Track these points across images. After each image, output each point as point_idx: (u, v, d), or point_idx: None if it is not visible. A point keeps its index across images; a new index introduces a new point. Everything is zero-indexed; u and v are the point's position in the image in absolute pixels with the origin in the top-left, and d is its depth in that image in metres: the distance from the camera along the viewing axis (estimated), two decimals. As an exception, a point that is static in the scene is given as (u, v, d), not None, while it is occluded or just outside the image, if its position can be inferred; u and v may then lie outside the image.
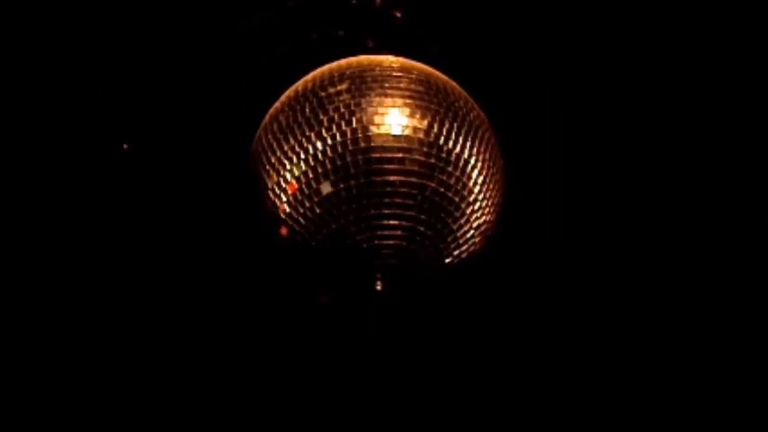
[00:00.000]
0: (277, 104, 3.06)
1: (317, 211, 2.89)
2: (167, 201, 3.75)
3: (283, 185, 2.93)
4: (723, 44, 3.70)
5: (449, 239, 2.96)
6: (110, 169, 3.68)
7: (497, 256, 3.28)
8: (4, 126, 3.58)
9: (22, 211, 3.73)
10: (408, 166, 2.86)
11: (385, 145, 2.86)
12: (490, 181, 3.00)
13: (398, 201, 2.87)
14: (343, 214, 2.88)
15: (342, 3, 3.44)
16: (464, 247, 3.00)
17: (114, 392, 4.01)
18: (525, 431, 4.23)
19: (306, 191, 2.90)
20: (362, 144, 2.86)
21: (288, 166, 2.91)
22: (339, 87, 2.94)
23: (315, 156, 2.88)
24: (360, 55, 3.09)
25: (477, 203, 2.97)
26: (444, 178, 2.89)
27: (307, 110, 2.94)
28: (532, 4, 3.63)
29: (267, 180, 2.96)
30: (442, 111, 2.93)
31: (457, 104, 2.98)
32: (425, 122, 2.89)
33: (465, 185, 2.93)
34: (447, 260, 3.00)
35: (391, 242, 2.89)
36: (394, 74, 2.97)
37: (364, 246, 2.89)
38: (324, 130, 2.89)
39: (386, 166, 2.85)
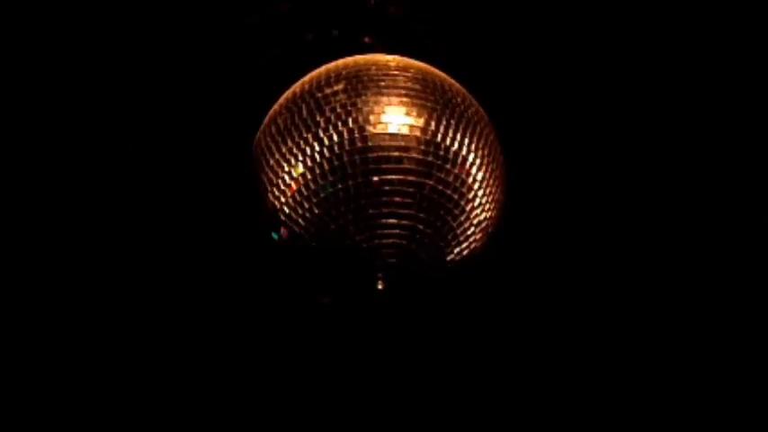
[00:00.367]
0: (275, 107, 3.06)
1: (316, 211, 2.90)
2: (167, 201, 3.75)
3: (282, 187, 2.93)
4: (723, 44, 3.69)
5: (449, 237, 2.95)
6: (110, 169, 3.68)
7: (497, 255, 3.26)
8: (3, 126, 3.58)
9: (23, 210, 3.73)
10: (406, 165, 2.85)
11: (382, 144, 2.86)
12: (490, 177, 2.99)
13: (397, 200, 2.86)
14: (342, 214, 2.88)
15: (339, 2, 3.45)
16: (465, 245, 3.00)
17: (114, 392, 4.01)
18: (525, 431, 4.22)
19: (304, 192, 2.90)
20: (359, 144, 2.86)
21: (286, 168, 2.92)
22: (335, 88, 2.94)
23: (313, 157, 2.89)
24: (357, 54, 3.10)
25: (477, 200, 2.96)
26: (443, 176, 2.89)
27: (304, 111, 2.94)
28: (532, 4, 3.63)
29: (267, 182, 2.97)
30: (439, 108, 2.92)
31: (455, 101, 2.98)
32: (422, 120, 2.89)
33: (464, 182, 2.92)
34: (448, 258, 2.99)
35: (390, 241, 2.89)
36: (390, 72, 2.96)
37: (364, 245, 2.89)
38: (321, 131, 2.89)
39: (383, 166, 2.85)
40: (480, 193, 2.96)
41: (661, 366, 4.16)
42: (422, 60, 3.10)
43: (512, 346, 4.15)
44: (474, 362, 4.15)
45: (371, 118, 2.88)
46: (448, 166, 2.89)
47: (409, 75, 2.97)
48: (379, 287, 2.92)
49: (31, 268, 3.82)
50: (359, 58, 3.06)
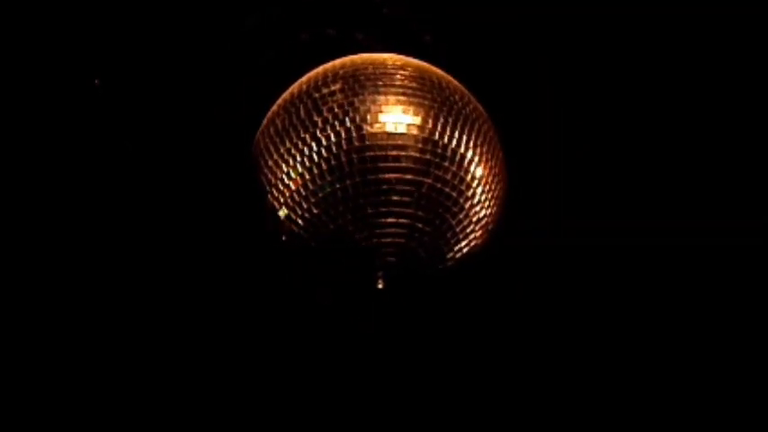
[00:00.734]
0: (274, 107, 3.07)
1: (315, 211, 2.90)
2: (167, 201, 3.75)
3: (281, 188, 2.93)
4: (723, 44, 3.69)
5: (448, 235, 2.95)
6: (110, 170, 3.69)
7: (497, 254, 3.26)
8: (3, 126, 3.59)
9: (23, 210, 3.74)
10: (404, 164, 2.85)
11: (379, 143, 2.85)
12: (489, 174, 2.98)
13: (395, 198, 2.86)
14: (341, 214, 2.88)
15: (340, 2, 3.46)
16: (465, 242, 2.99)
17: (114, 392, 4.01)
18: (525, 431, 4.20)
19: (303, 192, 2.90)
20: (357, 143, 2.86)
21: (285, 169, 2.92)
22: (333, 88, 2.94)
23: (311, 157, 2.89)
24: (357, 54, 3.10)
25: (477, 197, 2.96)
26: (441, 174, 2.88)
27: (302, 112, 2.94)
28: (532, 4, 3.63)
29: (266, 182, 2.97)
30: (436, 106, 2.92)
31: (452, 99, 2.97)
32: (420, 119, 2.89)
33: (462, 180, 2.92)
34: (448, 256, 2.99)
35: (389, 240, 2.89)
36: (388, 71, 2.96)
37: (363, 245, 2.89)
38: (319, 131, 2.89)
39: (381, 165, 2.85)
40: (480, 190, 2.96)
41: (661, 364, 4.14)
42: (421, 59, 3.11)
43: (512, 344, 4.14)
44: (474, 361, 4.14)
45: (369, 117, 2.87)
46: (446, 164, 2.89)
47: (407, 73, 2.97)
48: (380, 286, 2.92)
49: (31, 268, 3.83)
50: (356, 57, 3.06)
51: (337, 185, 2.86)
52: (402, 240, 2.88)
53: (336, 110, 2.89)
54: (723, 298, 4.08)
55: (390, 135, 2.86)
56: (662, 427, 4.17)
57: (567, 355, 4.16)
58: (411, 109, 2.89)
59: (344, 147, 2.86)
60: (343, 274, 2.95)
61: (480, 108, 3.07)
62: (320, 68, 3.05)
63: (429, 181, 2.87)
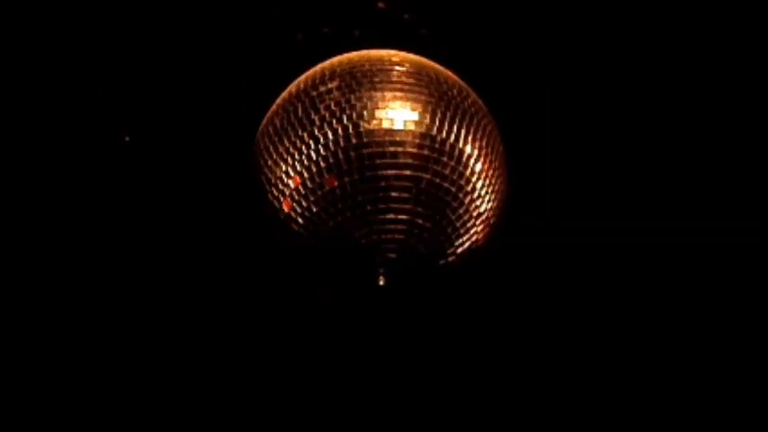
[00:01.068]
0: (273, 107, 3.07)
1: (314, 209, 2.89)
2: (167, 201, 3.75)
3: (281, 187, 2.93)
4: (723, 44, 3.69)
5: (449, 230, 2.94)
6: (110, 169, 3.69)
7: (497, 254, 3.25)
8: (3, 126, 3.59)
9: (23, 210, 3.74)
10: (401, 160, 2.85)
11: (376, 140, 2.85)
12: (489, 168, 2.97)
13: (394, 195, 2.86)
14: (340, 212, 2.87)
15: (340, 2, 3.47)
16: (466, 237, 2.98)
17: (113, 391, 4.00)
18: (526, 430, 4.19)
19: (302, 190, 2.90)
20: (354, 140, 2.85)
21: (284, 168, 2.92)
22: (330, 86, 2.94)
23: (309, 156, 2.89)
24: (358, 51, 3.10)
25: (476, 192, 2.94)
26: (439, 169, 2.87)
27: (299, 111, 2.94)
28: (532, 4, 3.63)
29: (265, 181, 2.97)
30: (433, 101, 2.91)
31: (450, 93, 2.96)
32: (417, 114, 2.88)
33: (462, 174, 2.90)
34: (450, 251, 2.98)
35: (389, 237, 2.88)
36: (384, 67, 2.96)
37: (363, 242, 2.88)
38: (316, 130, 2.89)
39: (378, 161, 2.84)
40: (479, 184, 2.95)
41: (661, 364, 4.13)
42: (420, 54, 3.10)
43: (512, 344, 4.13)
44: (474, 361, 4.13)
45: (365, 114, 2.87)
46: (444, 159, 2.88)
47: (403, 69, 2.97)
48: (380, 283, 2.91)
49: (31, 268, 3.83)
50: (354, 54, 3.05)
51: (335, 183, 2.86)
52: (402, 236, 2.88)
53: (333, 108, 2.89)
54: (723, 298, 4.07)
55: (387, 131, 2.85)
56: (662, 427, 4.16)
57: (567, 354, 4.15)
58: (408, 105, 2.88)
59: (342, 144, 2.86)
60: (344, 272, 2.94)
61: (480, 102, 3.06)
62: (318, 67, 3.05)
63: (427, 176, 2.86)
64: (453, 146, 2.89)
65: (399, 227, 2.87)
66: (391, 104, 2.88)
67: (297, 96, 2.98)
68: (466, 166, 2.91)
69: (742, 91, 3.76)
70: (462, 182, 2.91)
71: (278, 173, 2.93)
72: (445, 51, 3.37)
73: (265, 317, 3.91)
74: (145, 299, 3.92)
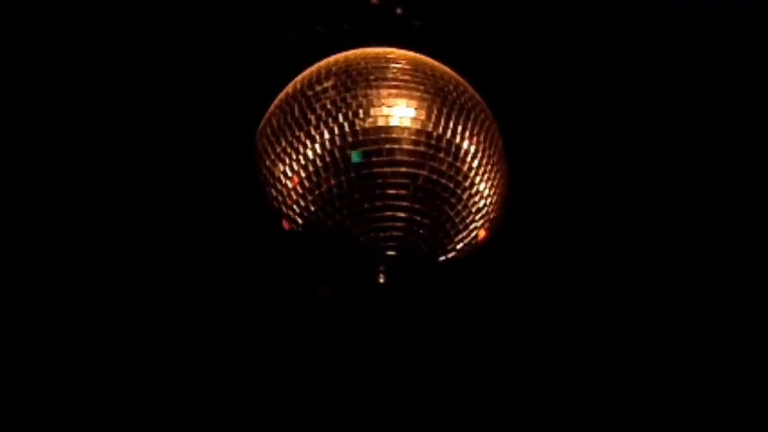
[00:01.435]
0: (271, 107, 3.09)
1: (312, 208, 2.89)
2: (167, 201, 3.75)
3: (279, 186, 2.93)
4: (723, 44, 3.69)
5: (448, 226, 2.93)
6: (110, 169, 3.69)
7: (497, 252, 3.24)
8: (3, 126, 3.60)
9: (23, 210, 3.74)
10: (398, 157, 2.85)
11: (372, 138, 2.86)
12: (487, 164, 2.96)
13: (391, 192, 2.86)
14: (338, 210, 2.88)
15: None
16: (466, 233, 2.97)
17: (113, 391, 3.98)
18: (526, 429, 4.17)
19: (300, 190, 2.90)
20: (350, 139, 2.86)
21: (282, 167, 2.93)
22: (325, 85, 2.95)
23: (305, 155, 2.89)
24: (359, 49, 3.11)
25: (475, 188, 2.94)
26: (436, 165, 2.87)
27: (296, 110, 2.96)
28: (532, 4, 3.63)
29: (264, 181, 2.98)
30: (429, 97, 2.91)
31: (447, 89, 2.96)
32: (413, 111, 2.88)
33: (459, 170, 2.90)
34: (449, 247, 2.97)
35: (387, 234, 2.88)
36: (379, 65, 2.96)
37: (362, 240, 2.88)
38: (313, 129, 2.90)
39: (374, 159, 2.85)
40: (477, 179, 2.94)
41: (661, 364, 4.12)
42: (419, 51, 3.10)
43: (511, 344, 4.12)
44: (474, 361, 4.11)
45: (361, 112, 2.88)
46: (441, 155, 2.88)
47: (399, 66, 2.97)
48: (380, 281, 2.91)
49: (31, 267, 3.82)
50: (350, 53, 3.06)
51: (332, 182, 2.86)
52: (400, 234, 2.88)
53: (329, 107, 2.90)
54: (723, 298, 4.06)
55: (383, 129, 2.86)
56: (662, 427, 4.14)
57: (567, 354, 4.14)
58: (404, 102, 2.88)
59: (338, 143, 2.86)
60: (344, 270, 2.93)
61: (477, 97, 3.05)
62: (314, 66, 3.06)
63: (425, 173, 2.86)
64: (450, 142, 2.89)
65: (398, 224, 2.87)
66: (387, 102, 2.88)
67: (294, 96, 2.99)
68: (463, 162, 2.91)
69: (742, 91, 3.75)
70: (460, 178, 2.90)
71: (276, 172, 2.94)
72: (444, 49, 3.37)
73: (265, 316, 3.90)
74: (145, 298, 3.91)
